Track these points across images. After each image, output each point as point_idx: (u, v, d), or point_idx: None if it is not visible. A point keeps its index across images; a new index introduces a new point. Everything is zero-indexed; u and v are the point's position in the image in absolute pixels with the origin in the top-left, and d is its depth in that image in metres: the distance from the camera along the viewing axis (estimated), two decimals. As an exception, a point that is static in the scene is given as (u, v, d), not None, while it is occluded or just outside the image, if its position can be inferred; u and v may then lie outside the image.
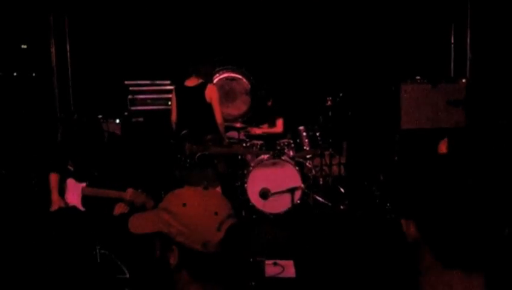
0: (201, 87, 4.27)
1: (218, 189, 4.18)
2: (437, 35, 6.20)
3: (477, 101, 5.55)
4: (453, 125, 5.49)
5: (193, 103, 4.31)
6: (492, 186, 0.95)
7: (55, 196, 3.36)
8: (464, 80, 5.72)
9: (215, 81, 6.12)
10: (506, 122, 3.72)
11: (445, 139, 3.53)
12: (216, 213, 1.24)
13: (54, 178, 3.42)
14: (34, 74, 5.90)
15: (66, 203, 3.37)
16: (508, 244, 0.92)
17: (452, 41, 6.27)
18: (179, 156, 4.23)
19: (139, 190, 3.27)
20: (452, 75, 6.22)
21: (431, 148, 5.14)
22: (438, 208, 0.92)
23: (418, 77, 5.68)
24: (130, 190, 3.25)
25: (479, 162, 1.00)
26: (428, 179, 0.97)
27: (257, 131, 5.66)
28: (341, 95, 5.43)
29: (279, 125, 5.62)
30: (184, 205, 1.27)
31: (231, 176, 5.22)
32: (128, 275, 3.14)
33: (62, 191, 3.39)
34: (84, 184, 3.37)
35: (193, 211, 1.25)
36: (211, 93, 4.27)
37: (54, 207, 3.34)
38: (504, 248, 0.92)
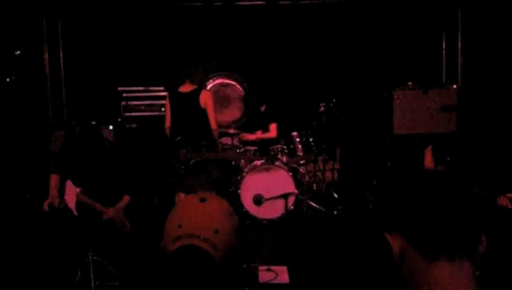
0: (195, 93, 4.29)
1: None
2: (428, 41, 6.26)
3: (468, 106, 5.61)
4: (445, 130, 5.54)
5: (187, 109, 4.32)
6: (482, 194, 0.98)
7: (53, 192, 3.38)
8: (455, 86, 5.78)
9: (209, 87, 6.13)
10: (481, 132, 3.76)
11: (429, 147, 3.55)
12: (180, 226, 1.22)
13: (54, 178, 3.47)
14: (27, 80, 5.89)
15: (63, 203, 3.34)
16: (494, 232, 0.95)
17: (443, 47, 6.33)
18: (173, 162, 4.23)
19: (121, 212, 3.39)
20: (444, 81, 6.28)
21: (422, 154, 5.18)
22: (426, 220, 0.94)
23: (410, 83, 5.73)
24: (111, 209, 3.37)
25: (468, 168, 1.02)
26: (416, 189, 0.99)
27: (251, 137, 5.67)
28: (334, 100, 5.46)
29: (273, 131, 5.64)
30: (176, 206, 1.32)
31: (225, 182, 5.22)
32: (119, 282, 3.14)
33: (62, 193, 3.40)
34: (79, 189, 3.37)
35: (171, 214, 1.28)
36: (205, 99, 4.28)
37: (49, 201, 3.35)
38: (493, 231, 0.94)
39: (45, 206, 3.32)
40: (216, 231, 1.21)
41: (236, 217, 1.34)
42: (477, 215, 0.94)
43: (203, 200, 1.28)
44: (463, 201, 0.94)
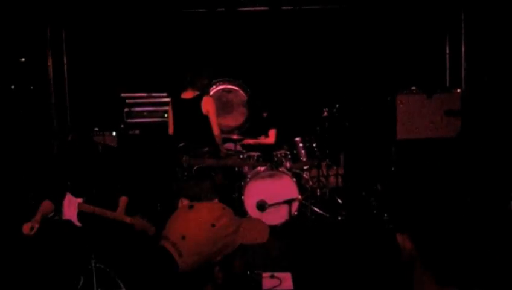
0: (197, 100, 4.28)
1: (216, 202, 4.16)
2: (432, 46, 6.25)
3: (472, 110, 5.58)
4: (449, 135, 5.51)
5: (190, 115, 4.31)
6: (489, 199, 0.96)
7: (37, 217, 3.28)
8: (458, 90, 5.75)
9: (211, 92, 6.13)
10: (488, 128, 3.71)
11: None
12: (164, 227, 1.31)
13: (45, 204, 3.38)
14: (32, 87, 5.91)
15: (34, 227, 3.24)
16: (503, 262, 0.92)
17: (447, 51, 6.31)
18: (176, 169, 4.22)
19: (139, 216, 3.31)
20: (447, 85, 6.25)
21: (426, 158, 5.16)
22: (434, 222, 0.92)
23: (413, 88, 5.71)
24: (135, 218, 3.32)
25: (474, 173, 1.01)
26: (424, 191, 0.97)
27: (249, 142, 5.67)
28: (337, 106, 5.45)
29: (272, 137, 5.63)
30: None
31: (229, 188, 5.21)
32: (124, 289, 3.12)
33: (59, 210, 3.37)
34: (80, 199, 3.36)
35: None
36: (207, 105, 4.27)
37: (29, 225, 3.20)
38: (499, 266, 0.92)
39: (25, 228, 3.19)
40: (183, 237, 1.22)
41: (229, 229, 1.30)
42: (493, 245, 0.91)
43: (191, 207, 1.31)
44: (480, 230, 0.92)
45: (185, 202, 4.16)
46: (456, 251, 0.90)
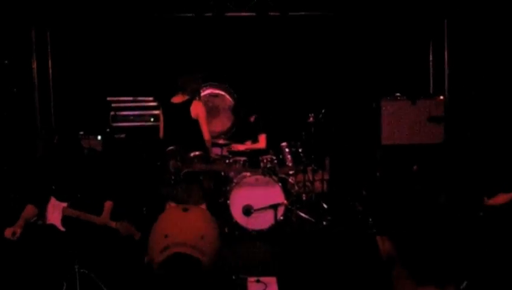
0: (187, 104, 4.27)
1: (203, 207, 4.15)
2: (416, 53, 6.35)
3: (455, 117, 5.69)
4: (432, 141, 5.60)
5: (179, 119, 4.30)
6: (465, 201, 0.99)
7: (20, 222, 3.25)
8: (441, 97, 5.86)
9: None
10: (470, 135, 3.83)
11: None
12: (166, 236, 1.24)
13: (28, 208, 3.34)
14: (15, 90, 5.84)
15: (17, 232, 3.20)
16: (477, 256, 0.95)
17: (431, 58, 6.43)
18: (163, 172, 4.20)
19: (125, 221, 3.29)
20: (431, 91, 6.36)
21: (410, 163, 5.24)
22: (412, 224, 0.95)
23: (398, 94, 5.80)
24: (121, 223, 3.31)
25: (453, 177, 1.05)
26: (404, 195, 1.00)
27: (240, 147, 5.67)
28: (323, 111, 5.50)
29: (262, 141, 5.64)
30: (159, 218, 1.33)
31: (215, 193, 5.21)
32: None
33: (42, 214, 3.33)
34: (65, 204, 3.33)
35: (154, 226, 1.30)
36: (197, 110, 4.26)
37: (11, 229, 3.17)
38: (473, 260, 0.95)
39: (7, 233, 3.16)
40: (202, 237, 1.25)
41: (217, 225, 1.38)
42: (467, 244, 0.95)
43: (185, 209, 1.31)
44: (455, 231, 0.95)
45: (172, 205, 4.14)
46: (432, 251, 0.93)
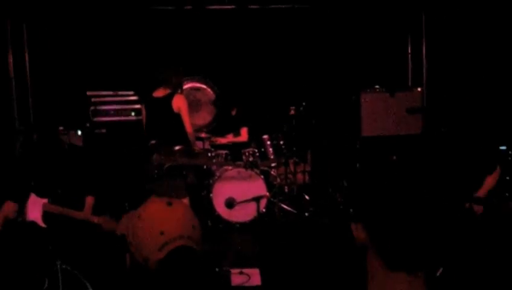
0: (168, 98, 4.25)
1: (186, 201, 4.16)
2: (394, 46, 6.44)
3: (433, 108, 5.80)
4: (411, 132, 5.71)
5: (161, 113, 4.28)
6: (444, 191, 1.03)
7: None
8: (419, 89, 5.96)
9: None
10: (446, 130, 3.90)
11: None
12: (162, 233, 1.23)
13: (7, 204, 3.30)
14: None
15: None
16: (447, 245, 1.00)
17: (409, 51, 6.52)
18: (146, 167, 4.18)
19: (107, 216, 3.27)
20: (409, 84, 6.47)
21: (390, 154, 5.33)
22: (385, 213, 0.99)
23: (377, 86, 5.88)
24: (100, 217, 3.31)
25: (431, 167, 1.09)
26: (380, 184, 1.04)
27: (222, 141, 5.68)
28: (304, 104, 5.54)
29: (244, 135, 5.66)
30: (139, 216, 1.28)
31: (197, 186, 5.21)
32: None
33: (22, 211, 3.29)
34: (45, 200, 3.30)
35: (142, 225, 1.26)
36: (179, 103, 4.23)
37: None
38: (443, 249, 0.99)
39: None
40: (193, 227, 1.30)
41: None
42: (440, 233, 0.99)
43: (170, 203, 1.32)
44: (428, 220, 0.99)
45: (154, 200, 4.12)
46: (403, 239, 0.97)
